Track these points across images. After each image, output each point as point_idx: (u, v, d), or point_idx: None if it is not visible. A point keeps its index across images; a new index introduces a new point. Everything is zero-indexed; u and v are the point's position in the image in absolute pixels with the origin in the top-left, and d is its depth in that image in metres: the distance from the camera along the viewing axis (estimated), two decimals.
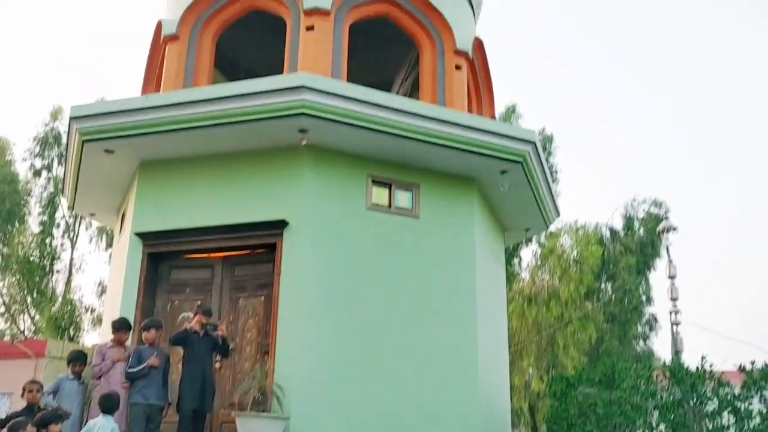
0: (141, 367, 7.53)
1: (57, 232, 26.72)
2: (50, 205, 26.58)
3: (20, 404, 9.45)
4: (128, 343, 8.06)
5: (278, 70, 10.62)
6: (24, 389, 7.55)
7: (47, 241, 26.38)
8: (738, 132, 62.34)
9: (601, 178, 55.44)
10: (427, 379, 8.70)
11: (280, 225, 8.64)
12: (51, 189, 26.48)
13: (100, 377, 7.66)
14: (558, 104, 59.82)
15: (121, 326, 7.96)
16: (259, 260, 8.99)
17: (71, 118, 9.06)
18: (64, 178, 10.89)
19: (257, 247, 8.91)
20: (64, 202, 26.34)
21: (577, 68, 62.88)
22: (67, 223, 26.82)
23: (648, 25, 63.97)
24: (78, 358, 8.13)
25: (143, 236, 9.12)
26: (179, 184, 9.29)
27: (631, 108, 60.04)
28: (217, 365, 8.47)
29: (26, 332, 25.62)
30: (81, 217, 26.17)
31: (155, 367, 7.54)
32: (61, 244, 26.72)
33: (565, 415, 9.17)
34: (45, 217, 26.52)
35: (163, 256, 9.24)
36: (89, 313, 25.68)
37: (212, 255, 9.22)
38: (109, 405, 6.97)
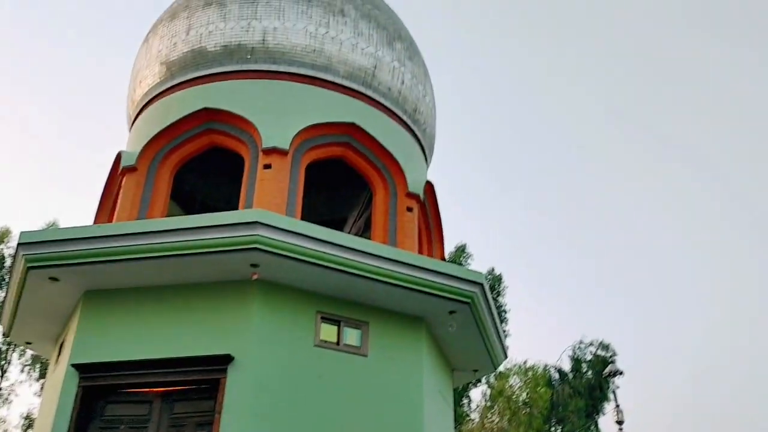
0: None
1: None
2: None
3: None
4: None
5: (234, 204, 10.85)
6: None
7: None
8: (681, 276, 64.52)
9: (550, 318, 56.06)
10: None
11: (225, 360, 8.45)
12: None
13: None
14: (508, 244, 61.41)
15: None
16: (201, 396, 8.69)
17: (19, 244, 8.95)
18: (3, 304, 10.55)
19: (200, 382, 8.65)
20: None
21: (527, 208, 65.26)
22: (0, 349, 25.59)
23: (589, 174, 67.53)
24: None
25: (80, 368, 8.78)
26: (124, 314, 9.10)
27: (580, 249, 61.97)
28: None
29: None
30: (15, 345, 25.03)
31: None
32: None
33: None
34: None
35: (99, 389, 8.85)
36: None
37: (151, 390, 8.89)
38: None
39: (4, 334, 11.06)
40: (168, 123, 10.84)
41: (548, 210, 65.13)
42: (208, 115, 10.78)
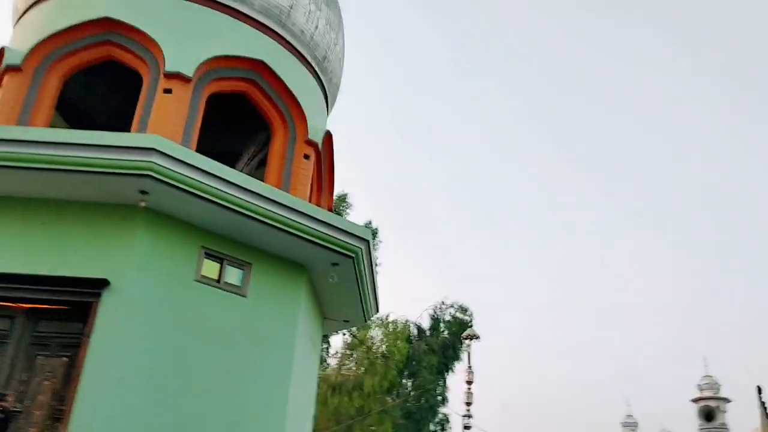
0: None
1: None
2: None
3: None
4: None
5: (123, 124, 10.37)
6: None
7: None
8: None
9: (415, 275, 58.05)
10: None
11: (101, 284, 8.23)
12: None
13: None
14: (384, 198, 62.54)
15: None
16: (69, 317, 8.43)
17: None
18: None
19: (71, 303, 8.37)
20: None
21: (405, 163, 66.46)
22: None
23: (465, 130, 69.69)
24: None
25: None
26: None
27: (453, 213, 64.18)
28: None
29: None
30: None
31: None
32: None
33: None
34: None
35: None
36: None
37: (17, 305, 8.50)
38: None
39: None
40: (64, 26, 10.10)
41: (435, 170, 66.69)
42: (109, 25, 10.14)
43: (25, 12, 11.06)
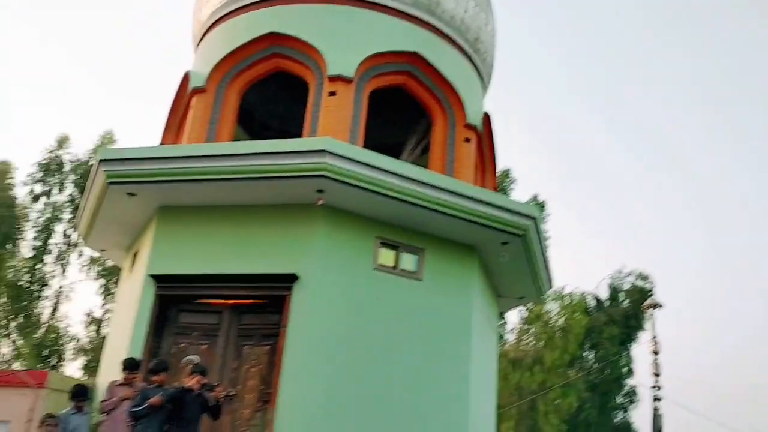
0: (143, 406, 7.74)
1: (48, 259, 26.82)
2: (45, 231, 26.74)
3: None
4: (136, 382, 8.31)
5: (294, 127, 11.18)
6: (41, 423, 7.76)
7: (38, 266, 26.45)
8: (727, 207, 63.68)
9: (590, 245, 56.24)
10: None
11: (291, 278, 9.02)
12: (48, 215, 26.69)
13: (106, 413, 7.88)
14: (550, 168, 61.00)
15: (131, 367, 8.20)
16: (267, 310, 9.34)
17: (100, 161, 9.49)
18: (80, 214, 11.23)
19: (267, 298, 9.27)
20: (59, 229, 26.56)
21: (568, 131, 64.33)
22: (59, 250, 26.95)
23: (642, 90, 65.80)
24: (82, 393, 8.37)
25: (157, 278, 9.46)
26: (196, 230, 9.68)
27: (624, 177, 61.26)
28: None
29: (7, 357, 25.48)
30: (74, 246, 26.34)
31: (156, 406, 7.74)
32: (52, 271, 26.78)
33: None
34: (38, 243, 26.64)
35: (173, 299, 9.56)
36: (73, 342, 25.64)
37: (221, 302, 9.56)
38: None
39: (82, 239, 11.76)
40: (236, 46, 11.08)
41: (592, 142, 64.09)
42: (274, 39, 10.98)
43: (202, 38, 12.24)
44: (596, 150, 63.48)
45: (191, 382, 7.72)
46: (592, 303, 25.01)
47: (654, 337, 16.58)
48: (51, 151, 26.86)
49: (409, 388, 9.19)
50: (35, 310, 26.15)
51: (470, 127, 11.60)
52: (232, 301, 9.52)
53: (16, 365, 23.56)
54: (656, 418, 15.57)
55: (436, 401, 9.36)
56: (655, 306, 17.17)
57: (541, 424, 20.83)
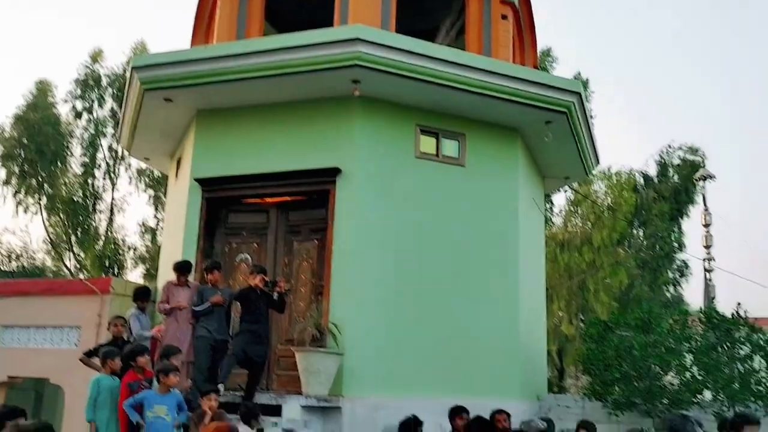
0: (205, 305, 8.06)
1: (98, 173, 27.44)
2: (91, 147, 27.21)
3: (89, 336, 10.22)
4: (191, 280, 8.61)
5: (322, 17, 10.82)
6: (110, 324, 8.17)
7: (89, 181, 27.11)
8: None
9: (636, 122, 54.71)
10: (473, 321, 9.18)
11: (334, 172, 9.02)
12: (92, 130, 27.07)
13: (166, 313, 8.22)
14: (591, 44, 58.63)
15: (182, 268, 8.47)
16: (313, 205, 9.43)
17: (133, 68, 9.43)
18: (121, 124, 11.33)
19: (311, 193, 9.33)
20: (104, 144, 26.99)
21: (611, 6, 61.25)
22: (107, 164, 27.47)
23: None
24: (144, 294, 8.75)
25: (202, 182, 9.58)
26: (235, 132, 9.68)
27: (669, 49, 58.62)
28: None
29: (72, 270, 26.69)
30: (121, 159, 26.81)
31: (219, 304, 8.06)
32: (102, 185, 27.45)
33: (602, 357, 9.61)
34: (86, 159, 27.18)
35: (221, 201, 9.71)
36: (131, 251, 26.63)
37: (267, 200, 9.67)
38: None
39: (126, 149, 11.93)
40: None
41: (636, 12, 60.92)
42: None
43: None
44: (639, 18, 60.49)
45: (255, 281, 8.00)
46: (641, 180, 24.55)
47: (706, 209, 16.32)
48: (87, 67, 26.88)
49: (459, 272, 9.29)
50: (92, 224, 27.07)
51: (507, 2, 11.08)
52: (277, 199, 9.62)
53: (81, 277, 24.68)
54: (708, 288, 15.56)
55: (486, 285, 9.46)
56: (707, 177, 16.78)
57: (591, 303, 21.05)
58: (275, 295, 8.05)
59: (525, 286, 10.10)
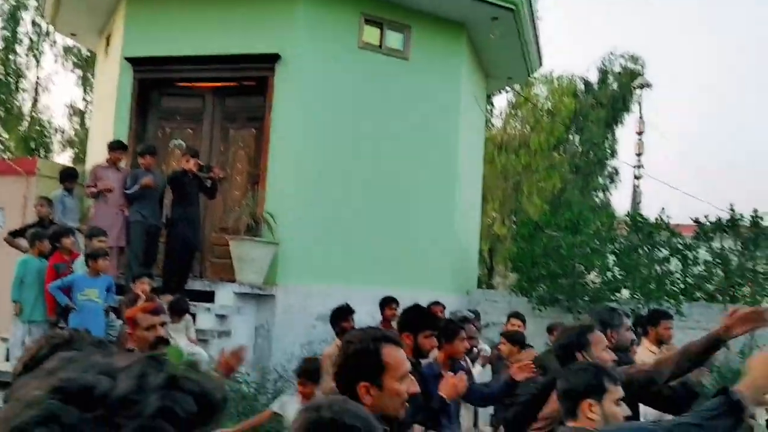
0: (136, 187, 7.84)
1: (20, 50, 25.75)
2: (12, 20, 25.36)
3: (13, 217, 9.89)
4: (123, 165, 8.34)
5: None
6: (35, 205, 7.89)
7: (10, 57, 25.46)
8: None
9: (580, 27, 54.56)
10: (409, 214, 9.28)
11: (273, 59, 8.69)
12: (12, 2, 25.16)
13: (95, 197, 7.98)
14: None
15: (117, 146, 8.18)
16: (250, 92, 9.13)
17: None
18: None
19: (249, 79, 9.01)
20: (27, 17, 25.20)
21: None
22: (31, 40, 25.77)
23: None
24: (71, 175, 8.44)
25: (133, 62, 9.10)
26: (170, 9, 9.15)
27: None
28: None
29: None
30: (45, 35, 25.15)
31: (150, 187, 7.85)
32: (26, 63, 25.85)
33: (531, 255, 9.96)
34: (7, 33, 25.40)
35: (153, 82, 9.29)
36: (59, 134, 25.53)
37: (203, 84, 9.30)
38: None
39: (50, 23, 11.16)
40: None
41: None
42: None
43: None
44: None
45: (189, 164, 7.82)
46: (581, 86, 24.71)
47: (641, 118, 16.66)
48: None
49: (397, 166, 9.28)
50: (15, 104, 25.67)
51: None
52: (214, 84, 9.26)
53: (5, 157, 23.63)
54: (635, 194, 16.13)
55: (424, 180, 9.51)
56: (644, 86, 17.01)
57: (524, 204, 21.58)
58: (208, 182, 7.91)
59: (462, 184, 10.21)
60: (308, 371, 4.44)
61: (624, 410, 2.55)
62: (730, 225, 9.68)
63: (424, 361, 4.45)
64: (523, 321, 7.49)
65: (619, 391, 2.54)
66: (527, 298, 9.90)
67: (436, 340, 4.51)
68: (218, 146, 9.22)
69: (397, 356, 2.12)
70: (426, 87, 9.61)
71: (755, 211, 9.65)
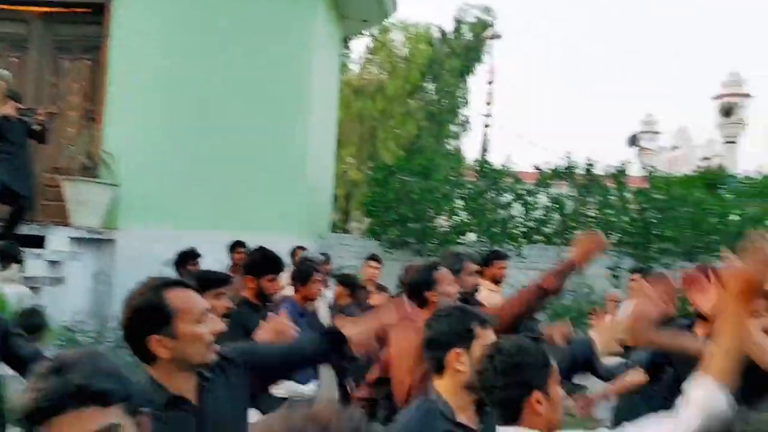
0: None
1: None
2: None
3: None
4: None
5: None
6: None
7: None
8: None
9: None
10: (259, 156, 8.99)
11: None
12: None
13: None
14: None
15: None
16: (85, 21, 8.37)
17: None
18: None
19: (82, 5, 8.23)
20: None
21: None
22: None
23: None
24: None
25: None
26: None
27: None
28: None
29: None
30: None
31: None
32: None
33: (384, 200, 10.06)
34: None
35: None
36: None
37: (28, 8, 8.38)
38: None
39: None
40: None
41: None
42: None
43: None
44: None
45: (6, 108, 7.01)
46: (437, 35, 25.08)
47: (491, 68, 17.18)
48: None
49: (247, 103, 8.90)
50: None
51: None
52: (41, 9, 8.38)
53: None
54: (485, 142, 16.75)
55: (275, 120, 9.21)
56: (495, 37, 17.52)
57: (380, 150, 21.79)
58: (36, 127, 7.20)
59: (316, 126, 10.03)
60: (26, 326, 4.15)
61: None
62: (567, 172, 10.26)
63: (286, 302, 4.40)
64: (380, 262, 7.59)
65: (489, 335, 2.29)
66: (379, 241, 10.03)
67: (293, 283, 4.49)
68: (48, 78, 8.41)
69: (185, 298, 1.93)
70: (278, 24, 9.23)
71: (589, 159, 10.30)
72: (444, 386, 2.28)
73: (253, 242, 7.32)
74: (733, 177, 10.63)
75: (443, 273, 3.49)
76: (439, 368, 2.29)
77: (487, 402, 2.02)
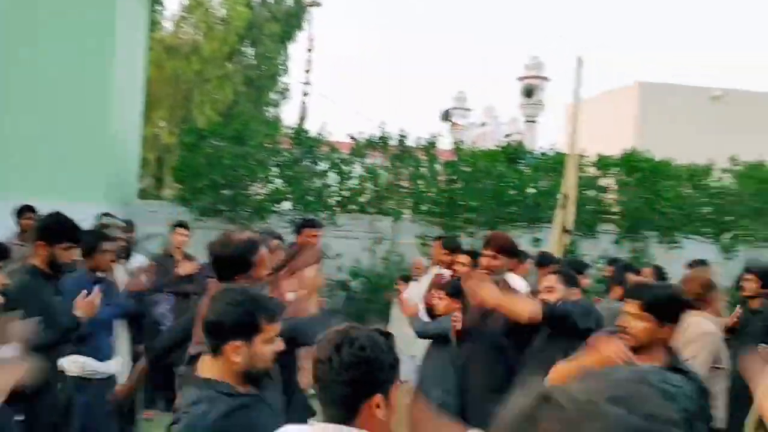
0: None
1: None
2: None
3: None
4: None
5: None
6: None
7: None
8: None
9: None
10: (57, 118, 8.27)
11: None
12: None
13: None
14: None
15: None
16: None
17: None
18: None
19: None
20: None
21: None
22: None
23: None
24: None
25: None
26: None
27: None
28: None
29: None
30: None
31: None
32: None
33: (194, 164, 9.65)
34: None
35: None
36: None
37: None
38: None
39: None
40: None
41: None
42: None
43: None
44: None
45: None
46: None
47: (310, 36, 17.04)
48: None
49: (43, 63, 8.16)
50: None
51: None
52: None
53: None
54: (303, 110, 16.66)
55: (74, 78, 8.49)
56: (314, 4, 17.39)
57: (195, 114, 20.89)
58: None
59: (120, 85, 9.35)
60: None
61: (278, 345, 2.28)
62: (381, 143, 10.46)
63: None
64: (188, 229, 7.30)
65: (275, 329, 2.26)
66: (189, 208, 9.63)
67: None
68: None
69: None
70: None
71: (402, 131, 10.57)
72: (215, 369, 2.24)
73: (47, 209, 6.75)
74: (531, 153, 11.43)
75: (263, 255, 3.35)
76: (216, 352, 2.25)
77: (320, 397, 1.86)
